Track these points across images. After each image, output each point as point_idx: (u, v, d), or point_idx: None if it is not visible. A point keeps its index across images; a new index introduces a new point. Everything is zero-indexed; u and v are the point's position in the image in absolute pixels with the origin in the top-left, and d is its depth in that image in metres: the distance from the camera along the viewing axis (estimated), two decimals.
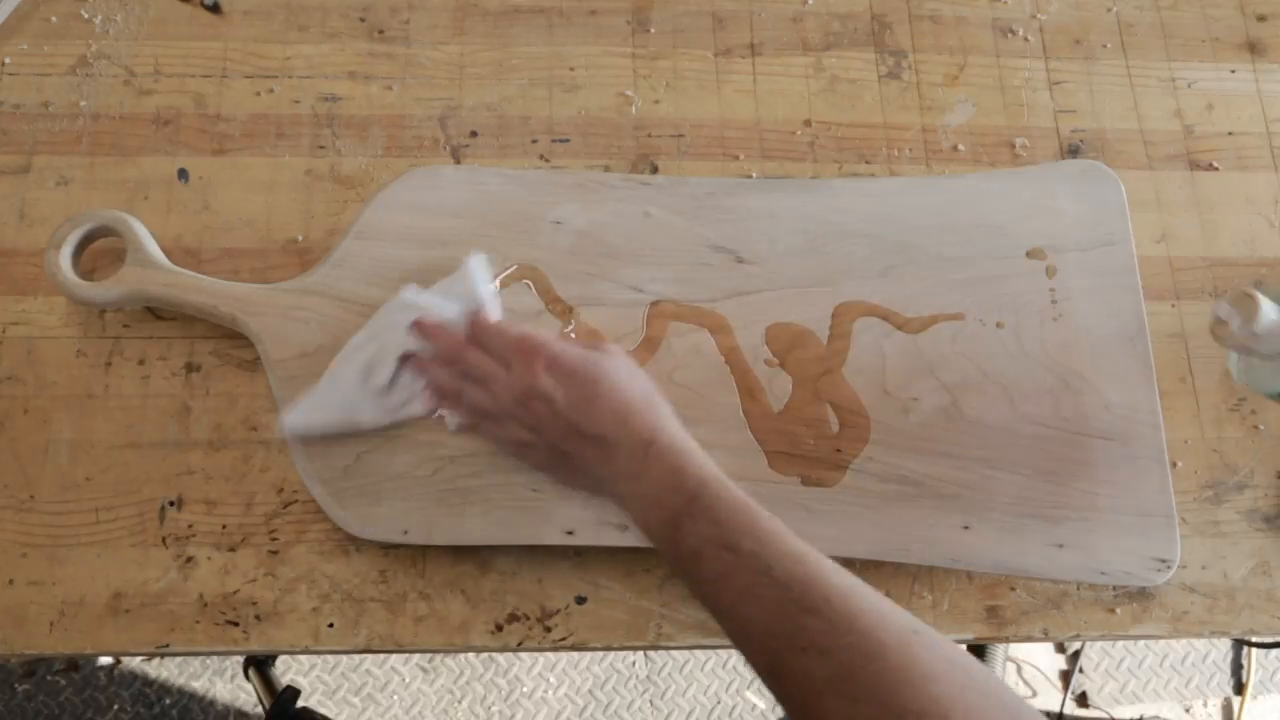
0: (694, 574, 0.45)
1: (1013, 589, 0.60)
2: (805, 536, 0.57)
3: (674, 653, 1.28)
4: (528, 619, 0.58)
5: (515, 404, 0.53)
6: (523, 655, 1.26)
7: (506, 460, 0.57)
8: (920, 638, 0.39)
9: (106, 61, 0.68)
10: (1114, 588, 0.60)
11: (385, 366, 0.56)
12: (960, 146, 0.70)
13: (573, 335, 0.60)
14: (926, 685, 0.37)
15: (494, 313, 0.58)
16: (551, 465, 0.54)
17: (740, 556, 0.44)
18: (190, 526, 0.58)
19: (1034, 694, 1.32)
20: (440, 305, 0.57)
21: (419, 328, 0.57)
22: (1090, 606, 0.60)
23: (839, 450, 0.59)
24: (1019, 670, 1.33)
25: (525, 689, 1.26)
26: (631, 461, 0.49)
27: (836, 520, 0.57)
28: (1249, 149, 0.71)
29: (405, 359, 0.57)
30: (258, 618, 0.57)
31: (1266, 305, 0.51)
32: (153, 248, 0.60)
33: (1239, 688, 1.34)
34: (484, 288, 0.58)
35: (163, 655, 0.58)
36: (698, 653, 1.28)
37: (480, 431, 0.56)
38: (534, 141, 0.68)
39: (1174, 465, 0.63)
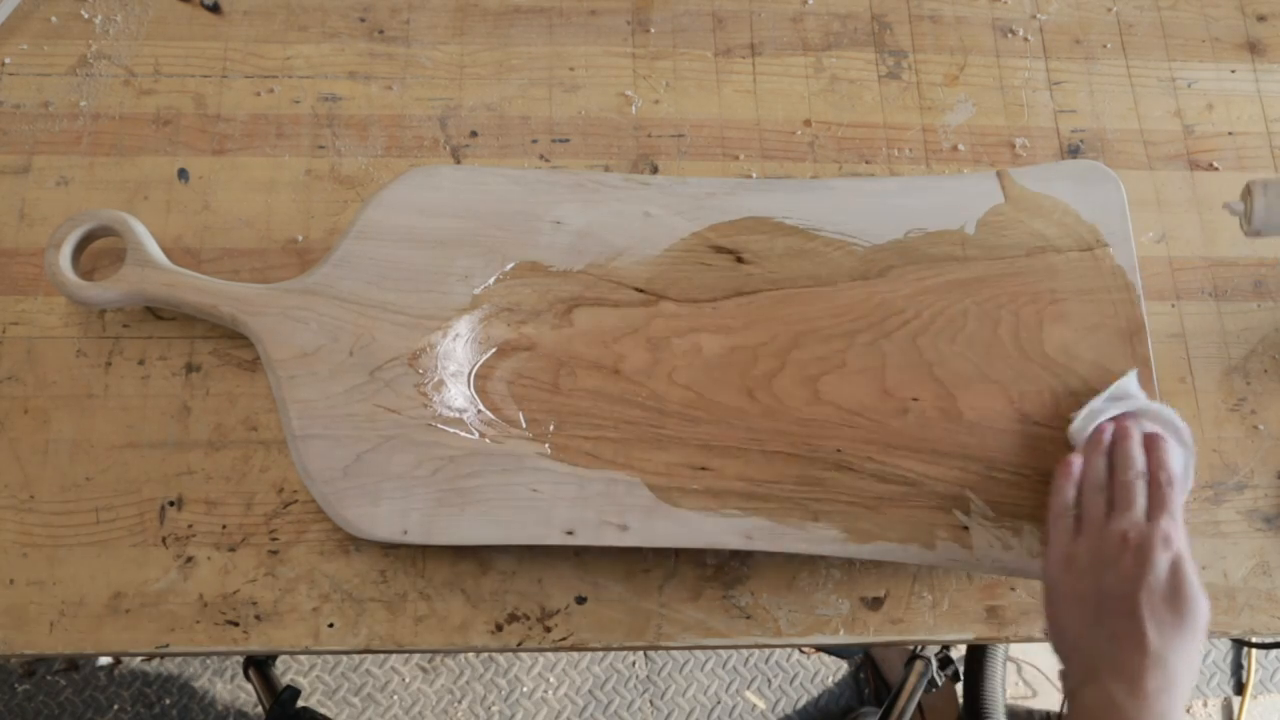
0: None
1: (1013, 589, 0.60)
2: (806, 537, 0.57)
3: (674, 653, 1.28)
4: (528, 619, 0.58)
5: (1118, 541, 0.52)
6: (523, 655, 1.26)
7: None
8: None
9: (106, 61, 0.68)
10: None
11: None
12: (960, 146, 0.70)
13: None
14: None
15: (1184, 481, 0.57)
16: (1069, 597, 0.52)
17: None
18: (190, 526, 0.58)
19: (1034, 694, 1.32)
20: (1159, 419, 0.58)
21: (1120, 427, 0.57)
22: None
23: (839, 450, 0.59)
24: (1019, 670, 1.33)
25: (525, 689, 1.26)
26: (1144, 666, 0.48)
27: (836, 520, 0.57)
28: (1249, 149, 0.71)
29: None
30: (258, 618, 0.57)
31: (1259, 199, 0.57)
32: (153, 248, 0.60)
33: (1239, 688, 1.34)
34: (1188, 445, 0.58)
35: (163, 655, 0.58)
36: (698, 653, 1.28)
37: (1055, 519, 0.55)
38: (534, 141, 0.68)
39: None
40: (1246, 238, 0.60)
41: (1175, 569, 0.50)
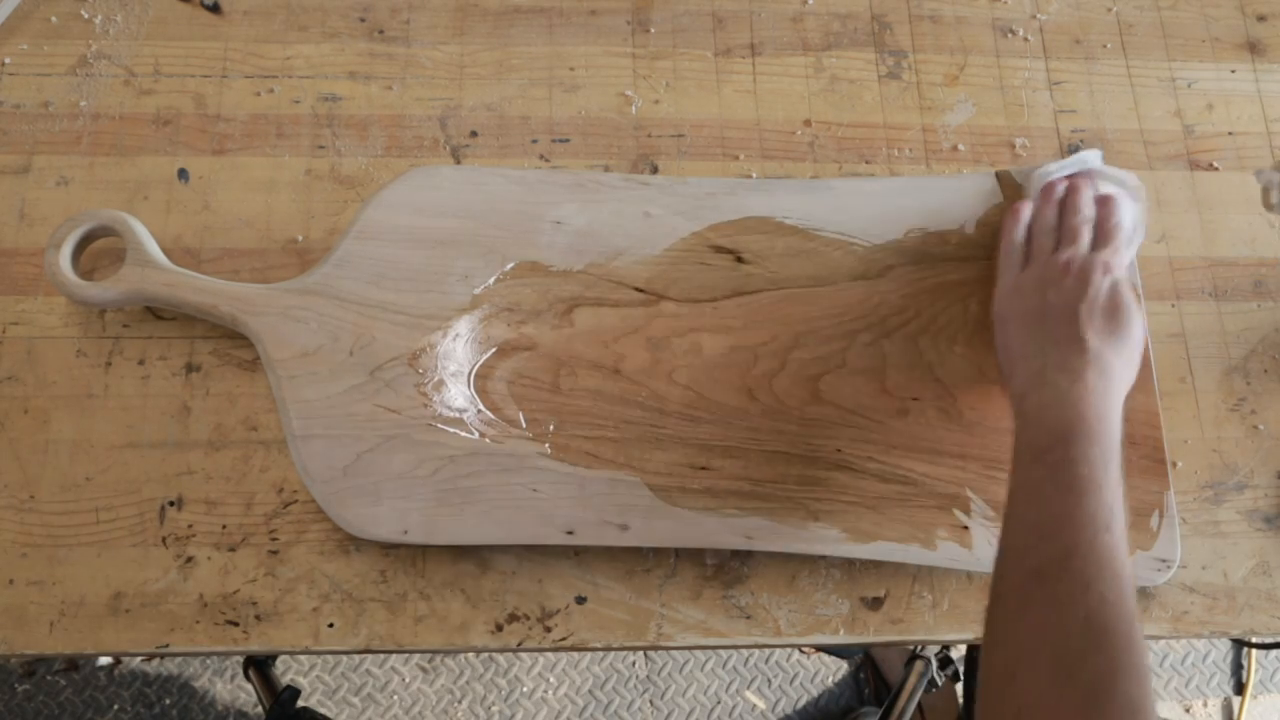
0: (1045, 474, 0.48)
1: None
2: (806, 537, 0.57)
3: (674, 653, 1.28)
4: (528, 619, 0.58)
5: (1061, 267, 0.56)
6: (523, 655, 1.26)
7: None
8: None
9: (106, 61, 0.68)
10: None
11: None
12: (960, 146, 0.70)
13: None
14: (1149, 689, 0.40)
15: (1132, 230, 0.60)
16: (1016, 317, 0.57)
17: (1100, 503, 0.46)
18: (190, 526, 0.58)
19: None
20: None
21: (1070, 182, 0.61)
22: None
23: (839, 450, 0.59)
24: None
25: (525, 689, 1.26)
26: (1084, 362, 0.52)
27: (836, 520, 0.57)
28: (1249, 149, 0.71)
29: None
30: (258, 618, 0.57)
31: None
32: (153, 248, 0.60)
33: (1239, 688, 1.34)
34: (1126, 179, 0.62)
35: (163, 655, 0.58)
36: (698, 653, 1.28)
37: (1005, 254, 0.60)
38: (534, 141, 0.68)
39: (1174, 465, 0.63)
40: (1269, 213, 0.62)
41: (1113, 289, 0.55)
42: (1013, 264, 0.60)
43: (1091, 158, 0.62)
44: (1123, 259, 0.57)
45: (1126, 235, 0.59)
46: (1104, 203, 0.59)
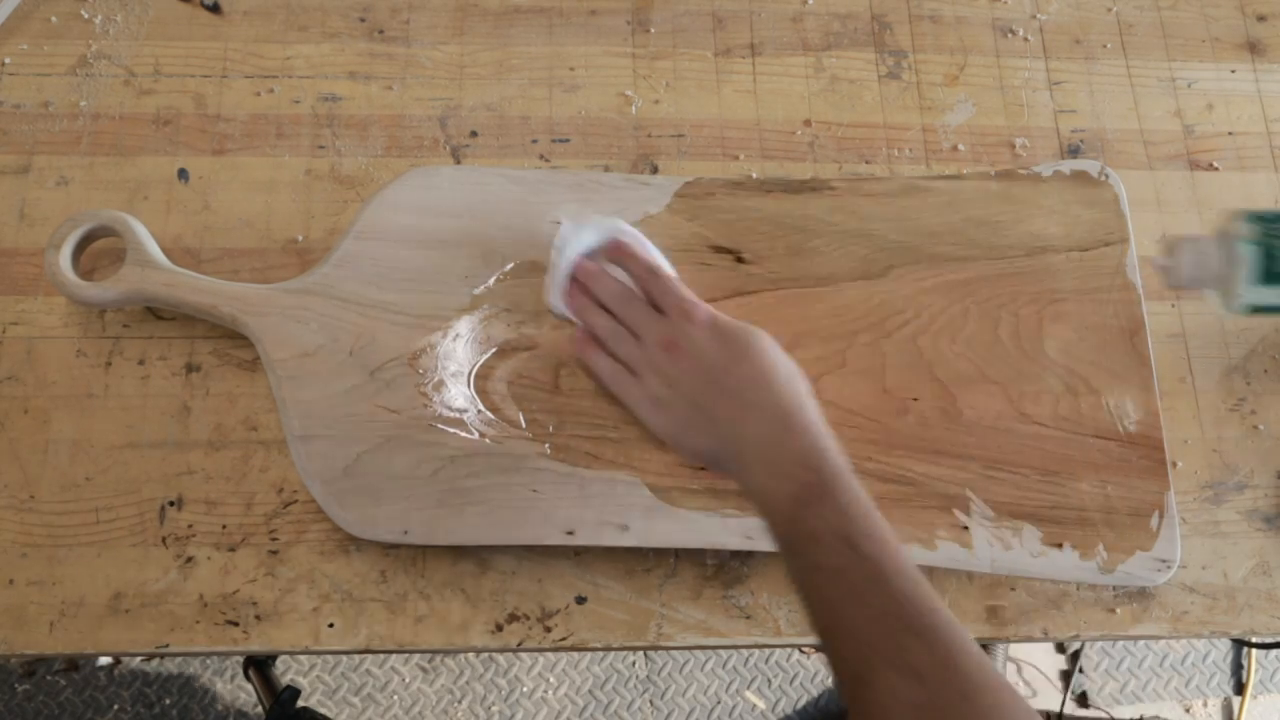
0: (804, 558, 0.45)
1: (1013, 589, 0.60)
2: None
3: (674, 653, 1.28)
4: (528, 619, 0.58)
5: (662, 353, 0.54)
6: (523, 655, 1.26)
7: (633, 422, 0.57)
8: (1012, 693, 0.40)
9: (106, 61, 0.68)
10: (1114, 588, 0.60)
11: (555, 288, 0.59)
12: (960, 146, 0.70)
13: None
14: None
15: (667, 267, 0.58)
16: (680, 425, 0.54)
17: (859, 557, 0.43)
18: (190, 526, 0.58)
19: (1034, 694, 1.32)
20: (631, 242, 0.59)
21: (584, 272, 0.58)
22: (1090, 606, 0.60)
23: None
24: (1019, 670, 1.33)
25: (525, 689, 1.26)
26: (768, 427, 0.49)
27: None
28: (1249, 149, 0.71)
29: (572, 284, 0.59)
30: (258, 618, 0.57)
31: (1186, 254, 0.58)
32: (153, 248, 0.60)
33: (1239, 688, 1.34)
34: (648, 243, 0.59)
35: (163, 655, 0.58)
36: (698, 653, 1.28)
37: (615, 384, 0.57)
38: (534, 141, 0.68)
39: (1174, 465, 0.63)
40: (1171, 289, 0.62)
41: (708, 326, 0.53)
42: (624, 382, 0.56)
43: (566, 231, 0.59)
44: (681, 291, 0.55)
45: (653, 265, 0.57)
46: (620, 259, 0.57)
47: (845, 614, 0.43)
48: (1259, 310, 0.57)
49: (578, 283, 0.58)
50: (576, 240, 0.58)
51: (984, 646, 1.05)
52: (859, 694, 0.41)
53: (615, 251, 0.58)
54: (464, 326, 0.60)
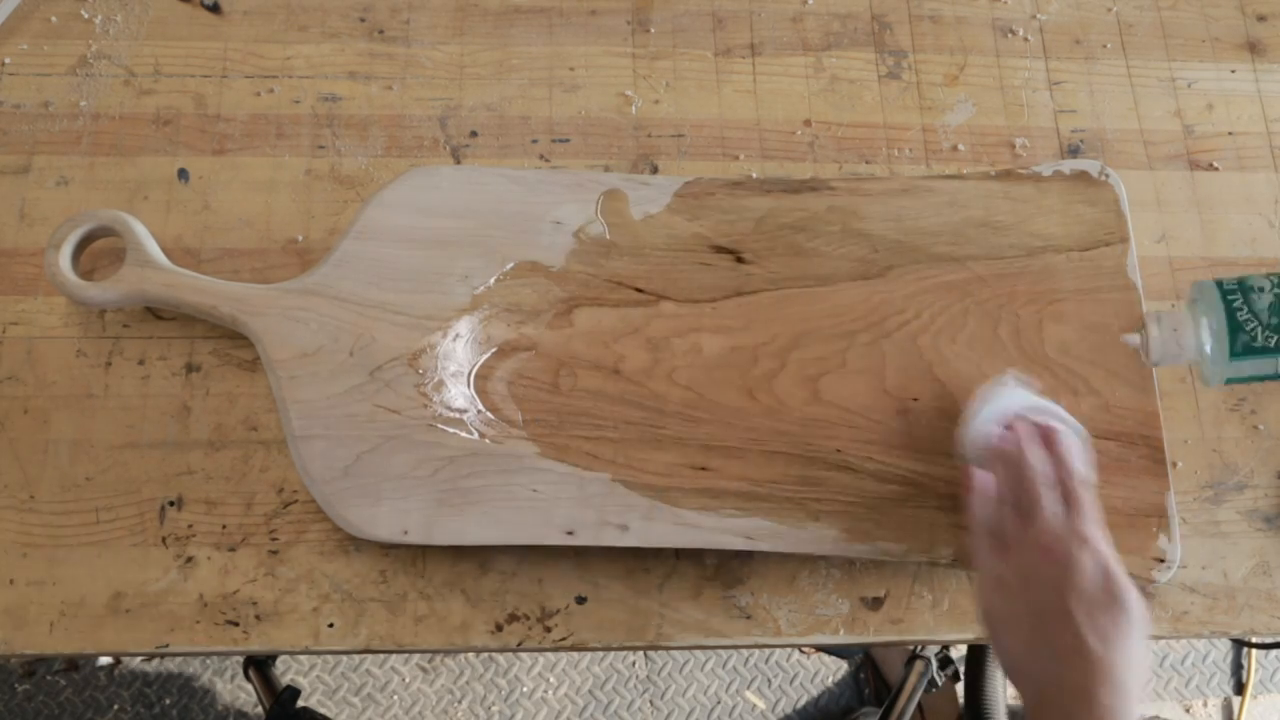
0: None
1: None
2: (806, 537, 0.57)
3: (674, 653, 1.28)
4: (528, 619, 0.58)
5: (1039, 551, 0.50)
6: (523, 655, 1.26)
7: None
8: None
9: (106, 61, 0.68)
10: None
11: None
12: (960, 146, 0.70)
13: None
14: None
15: (1083, 457, 0.54)
16: (1010, 619, 0.50)
17: None
18: (190, 526, 0.58)
19: None
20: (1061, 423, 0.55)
21: (1027, 432, 0.54)
22: None
23: (839, 450, 0.59)
24: None
25: (525, 689, 1.26)
26: (1092, 680, 0.46)
27: (836, 520, 0.57)
28: (1249, 149, 0.71)
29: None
30: (258, 618, 0.57)
31: (1154, 333, 0.56)
32: (153, 248, 0.60)
33: (1239, 688, 1.34)
34: (1073, 424, 0.55)
35: (163, 655, 0.58)
36: (698, 653, 1.28)
37: (978, 538, 0.53)
38: (534, 141, 0.68)
39: (1174, 465, 0.63)
40: (1144, 367, 0.60)
41: (1100, 570, 0.49)
42: (986, 550, 0.53)
43: (1011, 389, 0.56)
44: (1095, 519, 0.51)
45: (1089, 485, 0.52)
46: (1052, 445, 0.53)
47: None
48: (1238, 381, 0.56)
49: (1009, 433, 0.54)
50: (1010, 398, 0.55)
51: (984, 647, 1.05)
52: None
53: (1047, 439, 0.54)
54: (464, 327, 0.60)
